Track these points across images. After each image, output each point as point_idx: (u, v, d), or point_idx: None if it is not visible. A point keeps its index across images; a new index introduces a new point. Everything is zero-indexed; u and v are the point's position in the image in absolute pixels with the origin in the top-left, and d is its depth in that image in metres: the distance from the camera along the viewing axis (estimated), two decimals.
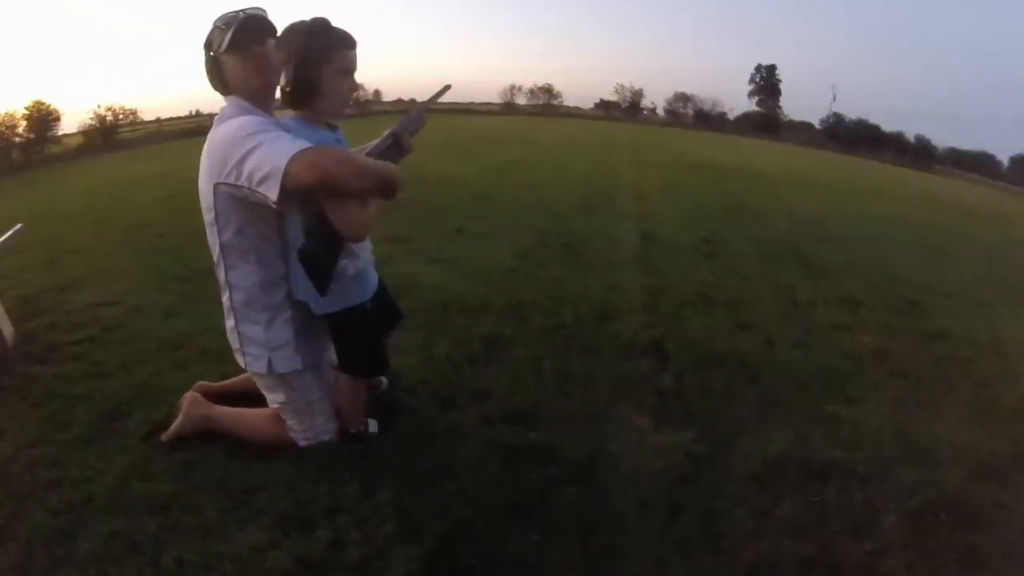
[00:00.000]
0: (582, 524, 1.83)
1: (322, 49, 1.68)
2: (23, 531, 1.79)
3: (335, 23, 1.74)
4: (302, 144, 1.56)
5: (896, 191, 14.56)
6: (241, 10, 1.78)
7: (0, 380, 2.65)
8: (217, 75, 1.82)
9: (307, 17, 1.73)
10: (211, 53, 1.80)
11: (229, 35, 1.72)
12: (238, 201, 1.71)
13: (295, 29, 1.69)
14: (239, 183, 1.61)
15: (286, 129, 1.69)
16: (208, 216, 1.81)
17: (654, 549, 1.77)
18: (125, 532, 1.78)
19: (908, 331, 3.63)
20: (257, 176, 1.56)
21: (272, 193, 1.54)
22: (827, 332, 3.42)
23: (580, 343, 2.94)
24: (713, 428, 2.30)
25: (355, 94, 1.83)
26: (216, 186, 1.70)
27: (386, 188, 1.71)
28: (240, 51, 1.76)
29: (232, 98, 1.82)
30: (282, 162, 1.51)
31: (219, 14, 1.78)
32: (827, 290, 4.21)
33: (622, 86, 48.44)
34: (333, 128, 1.85)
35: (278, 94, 1.83)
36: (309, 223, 1.72)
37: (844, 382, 2.81)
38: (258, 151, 1.57)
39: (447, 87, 2.03)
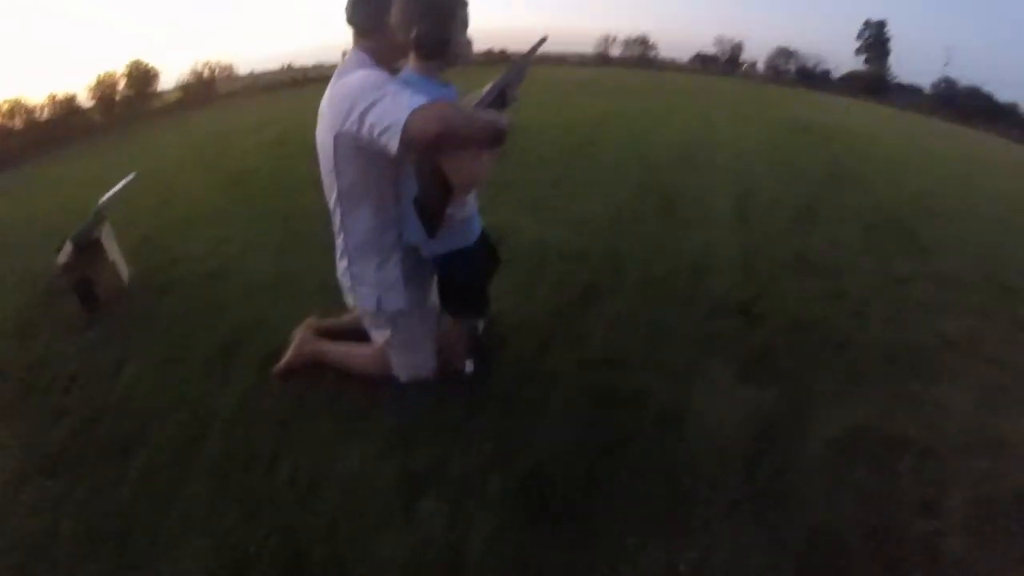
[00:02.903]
0: (666, 467, 1.92)
1: (448, 4, 1.75)
2: (151, 442, 2.01)
3: None
4: (421, 99, 1.63)
5: (1008, 167, 13.43)
6: None
7: (123, 310, 2.94)
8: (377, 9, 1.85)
9: None
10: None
11: None
12: (358, 150, 1.80)
13: None
14: (360, 133, 1.70)
15: (406, 84, 1.76)
16: (327, 164, 1.91)
17: (730, 498, 1.83)
18: (245, 443, 1.98)
19: (1005, 317, 3.42)
20: (378, 128, 1.64)
21: (392, 144, 1.62)
22: (921, 310, 3.28)
23: (675, 297, 2.96)
24: (796, 391, 2.31)
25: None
26: (337, 135, 1.79)
27: (496, 139, 1.77)
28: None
29: (356, 50, 1.91)
30: (403, 116, 1.59)
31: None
32: (926, 267, 4.00)
33: (721, 39, 45.79)
34: (446, 83, 1.90)
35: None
36: (424, 172, 1.79)
37: (932, 362, 2.72)
38: (380, 104, 1.64)
39: (544, 39, 2.04)
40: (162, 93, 21.26)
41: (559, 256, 3.38)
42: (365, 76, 1.76)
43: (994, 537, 1.81)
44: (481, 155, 1.78)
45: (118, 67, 20.06)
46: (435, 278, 2.18)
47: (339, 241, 2.06)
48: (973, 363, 2.80)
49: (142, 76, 20.34)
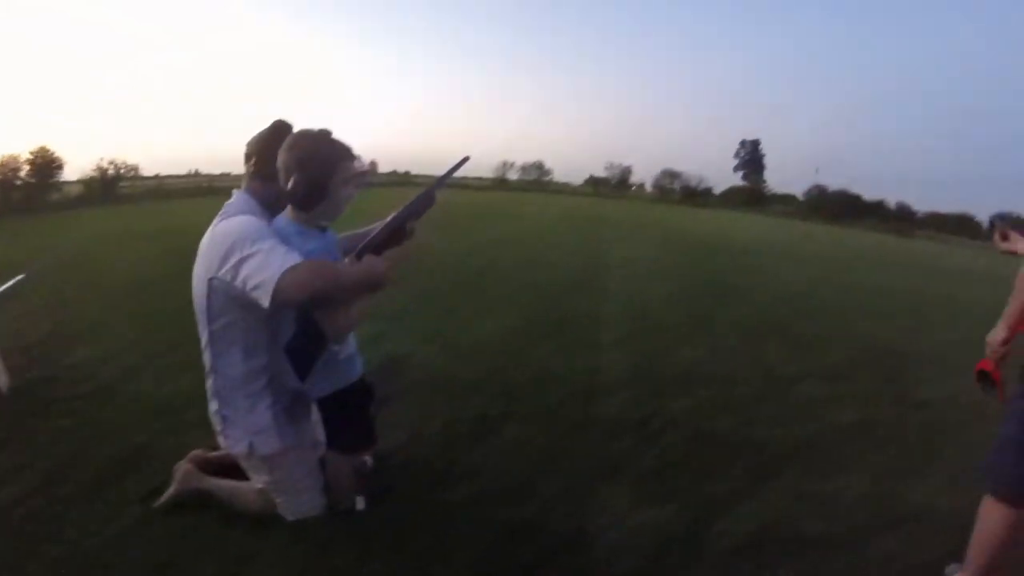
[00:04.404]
0: None
1: (330, 160, 1.83)
2: None
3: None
4: (295, 258, 1.70)
5: (878, 260, 14.84)
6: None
7: None
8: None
9: (314, 127, 1.87)
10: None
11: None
12: (230, 297, 1.83)
13: (305, 137, 1.83)
14: (234, 283, 1.75)
15: (282, 233, 1.83)
16: (200, 304, 1.92)
17: None
18: None
19: (890, 401, 3.72)
20: (251, 283, 1.70)
21: (264, 301, 1.68)
22: (809, 406, 3.49)
23: (567, 423, 2.99)
24: (694, 504, 2.35)
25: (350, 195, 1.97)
26: (212, 280, 1.83)
27: (372, 289, 1.84)
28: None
29: (243, 192, 1.99)
30: (275, 275, 1.66)
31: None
32: (809, 364, 4.30)
33: (611, 163, 49.86)
34: (323, 229, 1.97)
35: None
36: (297, 321, 1.84)
37: (825, 455, 2.87)
38: (255, 259, 1.71)
39: (465, 159, 2.15)
40: (63, 184, 20.44)
41: (452, 386, 3.40)
42: (245, 224, 1.81)
43: None
44: (352, 307, 1.84)
45: (23, 151, 19.06)
46: (312, 416, 2.18)
47: (209, 382, 2.03)
48: (865, 450, 2.98)
49: (47, 164, 19.51)
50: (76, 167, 21.30)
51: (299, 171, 1.79)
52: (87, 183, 21.21)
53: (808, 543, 2.17)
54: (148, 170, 25.33)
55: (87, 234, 10.55)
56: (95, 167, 21.51)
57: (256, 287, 1.69)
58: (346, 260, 1.93)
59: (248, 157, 2.01)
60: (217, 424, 2.06)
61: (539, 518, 2.22)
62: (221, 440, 2.08)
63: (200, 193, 22.90)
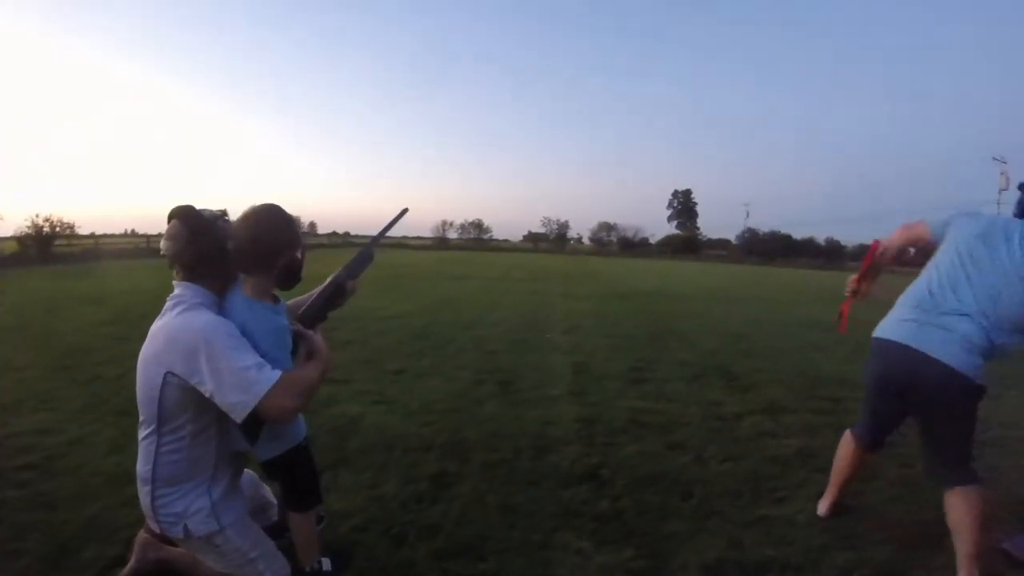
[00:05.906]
0: None
1: (296, 235, 1.92)
2: None
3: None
4: (269, 376, 1.76)
5: (811, 295, 15.53)
6: None
7: None
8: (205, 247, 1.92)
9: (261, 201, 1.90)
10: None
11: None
12: (186, 393, 1.81)
13: (272, 216, 1.87)
14: (199, 388, 1.76)
15: (241, 316, 1.87)
16: (150, 393, 1.85)
17: None
18: None
19: (830, 427, 3.92)
20: (224, 397, 1.74)
21: (237, 418, 1.75)
22: (754, 441, 3.66)
23: (521, 476, 3.06)
24: (651, 544, 2.43)
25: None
26: (169, 374, 1.79)
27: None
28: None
29: (193, 285, 1.92)
30: (253, 400, 1.72)
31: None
32: (752, 401, 4.51)
33: (548, 219, 51.18)
34: (276, 302, 2.01)
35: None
36: None
37: (773, 485, 3.01)
38: (231, 375, 1.74)
39: (404, 211, 2.26)
40: None
41: (404, 447, 3.42)
42: (215, 327, 1.81)
43: None
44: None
45: None
46: (245, 487, 2.22)
47: (145, 468, 1.94)
48: (810, 475, 3.16)
49: None
50: (10, 223, 20.86)
51: (289, 250, 1.88)
52: (21, 240, 20.66)
53: (764, 566, 2.29)
54: (84, 228, 24.57)
55: (23, 296, 10.31)
56: (30, 223, 21.00)
57: (231, 404, 1.73)
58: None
59: (178, 260, 1.94)
60: (148, 508, 1.97)
61: (500, 570, 2.26)
62: (153, 525, 2.00)
63: (138, 254, 22.48)
